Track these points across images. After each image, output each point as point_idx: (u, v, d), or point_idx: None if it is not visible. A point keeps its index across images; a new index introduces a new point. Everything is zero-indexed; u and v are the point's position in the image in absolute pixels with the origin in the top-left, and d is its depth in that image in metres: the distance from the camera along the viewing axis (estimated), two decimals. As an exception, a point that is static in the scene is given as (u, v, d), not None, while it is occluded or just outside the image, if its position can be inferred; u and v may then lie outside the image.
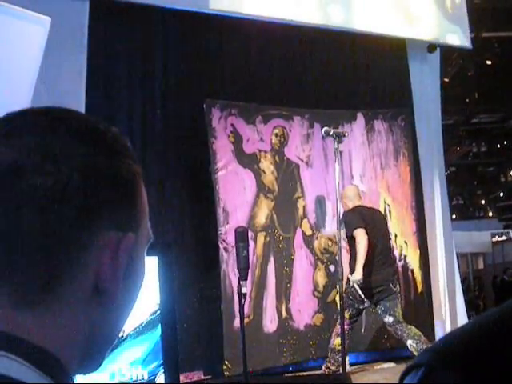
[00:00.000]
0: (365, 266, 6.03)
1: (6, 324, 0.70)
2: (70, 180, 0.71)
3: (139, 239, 0.78)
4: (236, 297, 6.01)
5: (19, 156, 0.71)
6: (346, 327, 6.01)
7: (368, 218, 6.28)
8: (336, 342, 6.13)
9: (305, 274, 7.03)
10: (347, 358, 6.71)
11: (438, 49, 8.17)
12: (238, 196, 6.74)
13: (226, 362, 6.29)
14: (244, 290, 3.97)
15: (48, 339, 0.71)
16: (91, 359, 0.78)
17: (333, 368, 6.14)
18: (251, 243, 6.64)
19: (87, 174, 0.72)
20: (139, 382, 2.45)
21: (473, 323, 0.66)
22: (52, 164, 0.70)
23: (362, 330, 7.20)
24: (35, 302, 0.71)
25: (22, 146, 0.72)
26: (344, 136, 5.37)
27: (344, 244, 6.21)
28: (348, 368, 6.57)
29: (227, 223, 6.54)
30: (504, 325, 0.61)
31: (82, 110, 5.57)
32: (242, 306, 3.91)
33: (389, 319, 6.17)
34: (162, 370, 2.44)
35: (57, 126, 0.74)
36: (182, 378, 6.02)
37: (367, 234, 6.10)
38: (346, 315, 6.07)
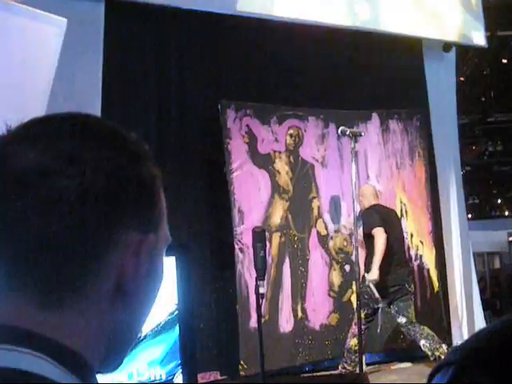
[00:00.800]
0: (380, 266, 6.02)
1: (31, 323, 0.72)
2: (94, 182, 0.73)
3: (159, 240, 0.80)
4: (251, 297, 6.03)
5: (45, 159, 0.73)
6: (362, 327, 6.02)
7: (385, 217, 6.27)
8: (352, 342, 6.12)
9: (320, 273, 7.02)
10: (363, 358, 6.73)
11: (454, 48, 8.14)
12: (253, 196, 6.75)
13: (242, 362, 6.30)
14: (262, 290, 3.98)
15: (72, 338, 0.73)
16: (112, 358, 0.80)
17: (349, 368, 6.13)
18: (266, 244, 6.64)
19: (111, 177, 0.74)
20: (157, 381, 2.46)
21: (501, 322, 0.65)
22: (77, 167, 0.73)
23: (378, 330, 7.17)
24: (60, 300, 0.73)
25: (47, 150, 0.74)
26: (360, 135, 5.37)
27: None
28: (364, 368, 6.57)
29: (242, 223, 6.54)
30: None
31: (98, 110, 5.61)
32: (259, 306, 3.92)
33: (402, 320, 6.16)
34: (180, 370, 2.45)
35: (80, 131, 0.77)
36: (198, 378, 6.03)
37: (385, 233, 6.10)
38: (362, 315, 6.07)
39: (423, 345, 6.03)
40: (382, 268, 6.04)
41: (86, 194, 0.72)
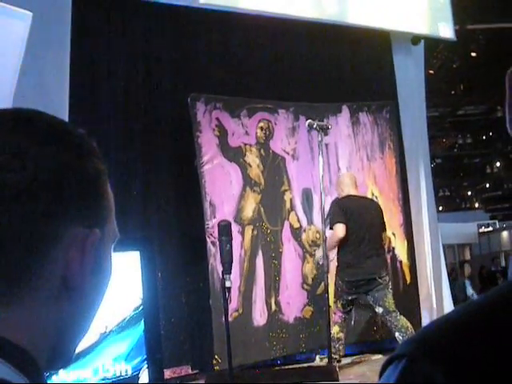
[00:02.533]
0: (350, 257, 6.05)
1: None
2: (37, 177, 0.73)
3: (105, 236, 0.80)
4: (224, 291, 6.01)
5: None
6: (341, 316, 6.07)
7: (354, 210, 6.26)
8: (334, 330, 6.14)
9: (293, 266, 7.03)
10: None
11: (422, 41, 8.18)
12: (224, 190, 6.73)
13: (216, 357, 6.28)
14: (228, 284, 3.98)
15: (18, 334, 0.72)
16: (60, 355, 0.79)
17: (336, 357, 6.11)
18: (239, 237, 6.65)
19: (54, 172, 0.74)
20: (123, 377, 2.44)
21: (455, 313, 0.65)
22: (20, 161, 0.73)
23: (352, 322, 7.21)
24: (3, 297, 0.72)
25: None
26: (328, 129, 5.38)
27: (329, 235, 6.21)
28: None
29: (214, 217, 6.52)
30: (487, 314, 0.60)
31: (66, 104, 5.55)
32: (226, 300, 3.91)
33: (379, 310, 6.19)
34: (146, 366, 2.44)
35: (24, 126, 0.77)
36: (169, 372, 6.02)
37: (350, 226, 6.09)
38: (339, 305, 6.11)
39: (397, 337, 6.06)
40: (353, 259, 6.06)
41: (28, 188, 0.72)
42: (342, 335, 6.22)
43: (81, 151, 0.79)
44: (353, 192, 6.45)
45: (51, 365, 0.78)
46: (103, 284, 0.81)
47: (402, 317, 6.19)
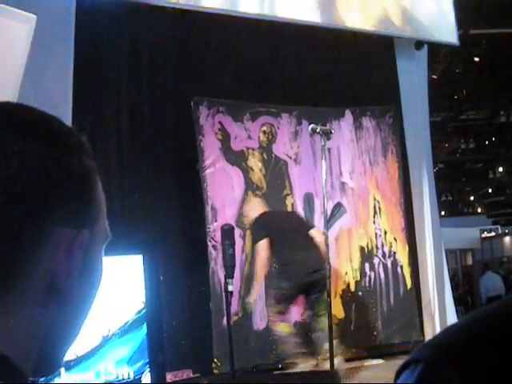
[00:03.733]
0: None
1: None
2: (21, 175, 0.69)
3: (95, 237, 0.76)
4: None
5: None
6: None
7: (266, 223, 6.23)
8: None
9: (294, 271, 7.00)
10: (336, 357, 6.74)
11: (426, 46, 8.17)
12: (226, 193, 6.73)
13: (216, 360, 6.28)
14: (230, 288, 3.96)
15: (1, 341, 0.69)
16: (48, 361, 0.76)
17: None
18: (240, 241, 6.64)
19: (38, 170, 0.71)
20: (125, 381, 2.44)
21: (471, 318, 0.65)
22: (2, 159, 0.69)
23: (352, 327, 7.20)
24: None
25: None
26: (331, 133, 5.35)
27: (330, 240, 6.18)
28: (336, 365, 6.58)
29: (215, 221, 6.52)
30: (503, 320, 0.60)
31: (69, 107, 5.55)
32: (228, 304, 3.90)
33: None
34: (148, 369, 2.43)
35: (9, 121, 0.73)
36: (170, 376, 6.01)
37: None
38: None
39: None
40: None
41: (11, 187, 0.69)
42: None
43: (68, 148, 0.75)
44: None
45: (39, 371, 0.75)
46: (93, 287, 0.77)
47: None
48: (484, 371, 0.57)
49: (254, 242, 6.06)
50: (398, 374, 0.62)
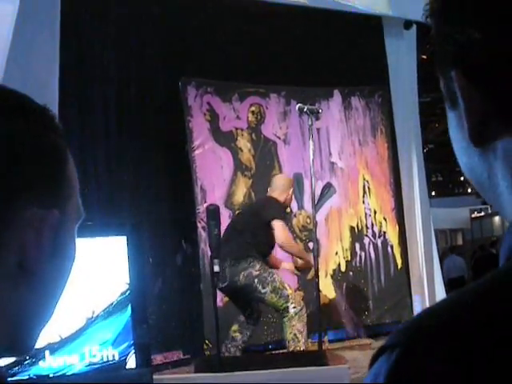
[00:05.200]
0: None
1: None
2: None
3: (67, 216, 0.75)
4: (215, 275, 6.00)
5: None
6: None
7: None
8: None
9: (283, 251, 7.01)
10: (326, 336, 6.77)
11: (415, 26, 8.13)
12: (215, 174, 6.72)
13: (207, 341, 6.29)
14: (216, 269, 3.95)
15: None
16: (20, 343, 0.75)
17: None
18: (229, 221, 6.63)
19: (6, 148, 0.69)
20: (110, 362, 2.43)
21: (449, 299, 0.63)
22: None
23: (343, 307, 7.23)
24: None
25: None
26: (318, 113, 5.32)
27: (319, 220, 6.18)
28: (326, 345, 6.61)
29: (205, 202, 6.51)
30: (481, 302, 0.58)
31: (56, 88, 5.50)
32: (214, 285, 3.90)
33: None
34: (133, 351, 2.43)
35: None
36: (160, 357, 6.03)
37: None
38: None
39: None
40: None
41: None
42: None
43: (37, 126, 0.73)
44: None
45: (11, 352, 0.75)
46: (65, 268, 0.76)
47: None
48: (463, 354, 0.55)
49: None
50: (374, 359, 0.60)
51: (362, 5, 7.38)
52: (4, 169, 0.69)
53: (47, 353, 2.41)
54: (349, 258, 7.44)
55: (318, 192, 6.25)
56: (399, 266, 7.76)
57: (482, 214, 23.50)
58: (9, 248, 0.70)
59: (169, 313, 6.29)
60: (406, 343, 0.58)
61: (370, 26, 7.80)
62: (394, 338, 0.59)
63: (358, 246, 7.53)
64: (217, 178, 6.74)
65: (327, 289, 7.10)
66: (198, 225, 6.48)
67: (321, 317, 5.25)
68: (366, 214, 7.60)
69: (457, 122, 0.69)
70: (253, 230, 5.50)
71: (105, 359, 2.44)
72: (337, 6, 7.18)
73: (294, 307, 5.40)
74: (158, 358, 5.97)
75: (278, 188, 5.77)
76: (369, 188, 7.65)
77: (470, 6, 0.64)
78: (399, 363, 0.57)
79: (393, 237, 7.78)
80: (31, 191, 0.71)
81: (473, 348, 0.55)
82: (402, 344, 0.58)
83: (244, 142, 6.95)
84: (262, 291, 5.41)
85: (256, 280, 5.39)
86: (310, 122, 5.15)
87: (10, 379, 2.28)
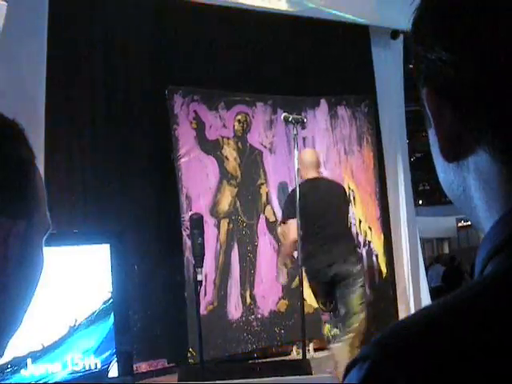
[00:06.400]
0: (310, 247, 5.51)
1: None
2: None
3: (33, 227, 0.75)
4: (200, 284, 5.99)
5: None
6: (328, 314, 5.89)
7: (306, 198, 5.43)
8: (325, 329, 5.92)
9: (269, 260, 7.04)
10: (311, 345, 6.77)
11: (402, 35, 8.17)
12: (200, 183, 6.72)
13: (191, 350, 6.28)
14: (199, 278, 3.95)
15: None
16: None
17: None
18: (215, 230, 6.64)
19: None
20: (92, 371, 2.43)
21: (421, 313, 0.64)
22: None
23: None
24: None
25: None
26: (304, 122, 5.33)
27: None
28: (312, 354, 6.62)
29: (190, 210, 6.50)
30: (453, 316, 0.59)
31: (43, 94, 5.48)
32: (197, 294, 3.91)
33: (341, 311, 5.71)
34: (116, 359, 2.42)
35: None
36: (145, 365, 6.01)
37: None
38: (320, 305, 5.87)
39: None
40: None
41: None
42: (336, 331, 5.78)
43: (3, 138, 0.74)
44: (314, 175, 5.80)
45: None
46: (33, 278, 0.76)
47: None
48: (430, 371, 0.56)
49: (284, 217, 5.66)
50: (347, 370, 0.61)
51: (348, 14, 7.41)
52: None
53: (29, 361, 2.39)
54: (334, 267, 7.44)
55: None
56: (384, 276, 7.77)
57: (469, 223, 23.50)
58: None
59: (153, 321, 6.27)
60: (376, 356, 0.59)
61: (357, 36, 7.83)
62: (366, 350, 0.60)
63: (343, 255, 7.53)
64: (202, 187, 6.74)
65: (312, 298, 7.10)
66: (183, 233, 6.47)
67: (305, 326, 5.24)
68: (351, 222, 7.61)
69: (433, 139, 0.70)
70: None
71: (87, 367, 2.43)
72: (320, 14, 7.19)
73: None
74: (142, 366, 5.96)
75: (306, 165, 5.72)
76: (354, 197, 7.67)
77: (438, 26, 0.65)
78: (369, 376, 0.58)
79: (378, 246, 7.80)
80: None
81: (440, 364, 0.56)
82: (373, 356, 0.59)
83: (230, 151, 6.95)
84: (353, 288, 5.57)
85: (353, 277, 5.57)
86: (295, 132, 5.15)
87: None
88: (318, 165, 5.93)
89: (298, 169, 5.30)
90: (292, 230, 5.36)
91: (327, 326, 5.84)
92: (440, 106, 0.66)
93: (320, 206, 5.61)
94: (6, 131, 0.75)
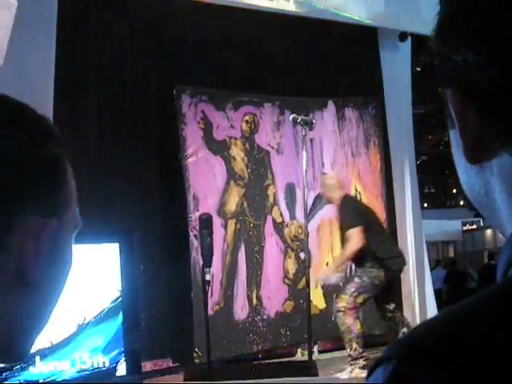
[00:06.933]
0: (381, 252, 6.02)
1: None
2: None
3: (64, 225, 0.75)
4: (207, 284, 6.00)
5: None
6: (356, 311, 5.98)
7: (360, 210, 6.14)
8: (359, 326, 6.03)
9: (275, 261, 7.03)
10: (316, 346, 6.76)
11: (410, 37, 8.16)
12: (208, 183, 6.72)
13: (197, 350, 6.28)
14: (208, 278, 3.96)
15: None
16: (14, 351, 0.75)
17: (359, 351, 6.00)
18: (222, 230, 6.64)
19: (7, 158, 0.70)
20: (100, 369, 2.43)
21: (447, 313, 0.64)
22: None
23: (333, 318, 7.21)
24: None
25: None
26: (312, 123, 5.35)
27: (311, 231, 6.17)
28: (316, 355, 6.61)
29: (197, 210, 6.51)
30: (479, 315, 0.59)
31: (51, 92, 5.51)
32: (205, 293, 3.90)
33: (391, 304, 6.25)
34: (124, 358, 2.42)
35: None
36: (149, 365, 6.01)
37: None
38: (360, 300, 5.97)
39: (403, 332, 6.01)
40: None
41: None
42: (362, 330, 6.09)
43: (37, 136, 0.74)
44: (342, 194, 6.25)
45: (6, 359, 0.75)
46: (62, 276, 0.77)
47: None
48: (458, 368, 0.56)
49: (350, 226, 5.92)
50: (371, 371, 0.61)
51: (357, 16, 7.41)
52: (4, 178, 0.70)
53: (38, 358, 2.40)
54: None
55: (310, 202, 6.27)
56: (390, 278, 7.75)
57: (474, 226, 23.52)
58: (8, 255, 0.70)
59: (159, 320, 6.27)
60: (401, 356, 0.59)
61: (365, 38, 7.83)
62: (391, 350, 0.60)
63: (349, 256, 7.52)
64: (209, 187, 6.74)
65: (317, 299, 7.10)
66: (190, 233, 6.47)
67: (311, 327, 5.24)
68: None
69: (456, 140, 0.70)
70: None
71: (95, 366, 2.44)
72: (328, 15, 7.19)
73: None
74: (147, 366, 5.96)
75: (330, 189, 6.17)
76: (361, 199, 7.65)
77: (464, 27, 0.65)
78: (396, 375, 0.58)
79: (384, 248, 7.78)
80: (31, 200, 0.72)
81: (468, 364, 0.56)
82: (399, 356, 0.59)
83: (237, 151, 6.95)
84: None
85: None
86: (303, 133, 5.17)
87: (-1, 384, 2.28)
88: (341, 185, 6.32)
89: (306, 171, 5.32)
90: (357, 237, 5.77)
91: (358, 324, 6.04)
92: (465, 107, 0.66)
93: (372, 212, 6.31)
94: (40, 129, 0.76)
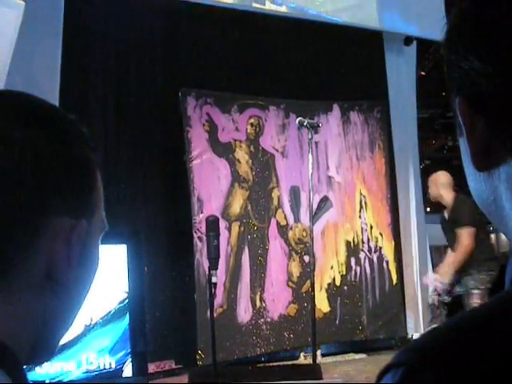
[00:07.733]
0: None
1: None
2: (22, 163, 0.69)
3: (93, 227, 0.77)
4: (210, 286, 5.99)
5: None
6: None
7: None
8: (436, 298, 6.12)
9: (279, 264, 7.03)
10: (320, 350, 6.76)
11: (415, 42, 8.17)
12: (212, 185, 6.72)
13: (200, 352, 6.28)
14: (214, 280, 3.96)
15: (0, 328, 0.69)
16: (43, 349, 0.76)
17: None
18: (226, 233, 6.63)
19: (40, 158, 0.71)
20: (106, 370, 2.43)
21: (457, 320, 0.64)
22: (3, 146, 0.69)
23: (337, 322, 7.22)
24: None
25: None
26: (318, 127, 5.35)
27: (315, 234, 6.16)
28: (320, 359, 6.60)
29: (201, 212, 6.51)
30: (488, 323, 0.59)
31: (56, 94, 5.52)
32: (211, 296, 3.90)
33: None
34: (130, 359, 2.42)
35: (10, 109, 0.73)
36: (152, 366, 6.01)
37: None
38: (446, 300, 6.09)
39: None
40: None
41: (12, 175, 0.69)
42: None
43: (70, 137, 0.75)
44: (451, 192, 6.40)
45: (33, 359, 0.75)
46: (89, 277, 0.78)
47: None
48: (467, 375, 0.56)
49: (463, 224, 6.02)
50: (380, 377, 0.61)
51: (362, 20, 7.41)
52: (37, 179, 0.70)
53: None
54: (344, 273, 7.43)
55: (314, 205, 6.26)
56: (394, 282, 7.74)
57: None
58: (39, 255, 0.71)
59: (162, 322, 6.27)
60: (410, 363, 0.59)
61: (371, 42, 7.83)
62: (400, 357, 0.60)
63: (353, 260, 7.52)
64: (214, 189, 6.74)
65: (321, 303, 7.09)
66: (194, 235, 6.47)
67: (315, 330, 5.23)
68: (362, 228, 7.60)
69: (465, 147, 0.71)
70: None
71: (102, 367, 2.44)
72: (337, 20, 7.20)
73: None
74: (150, 367, 5.95)
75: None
76: (365, 203, 7.65)
77: (473, 36, 0.65)
78: (405, 381, 0.58)
79: (388, 252, 7.78)
80: (62, 201, 0.72)
81: (476, 371, 0.56)
82: (408, 362, 0.59)
83: (242, 154, 6.96)
84: None
85: None
86: (309, 136, 5.17)
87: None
88: (452, 184, 6.50)
89: (312, 174, 5.31)
90: (470, 236, 5.92)
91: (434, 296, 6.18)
92: (472, 115, 0.66)
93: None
94: (73, 131, 0.77)
